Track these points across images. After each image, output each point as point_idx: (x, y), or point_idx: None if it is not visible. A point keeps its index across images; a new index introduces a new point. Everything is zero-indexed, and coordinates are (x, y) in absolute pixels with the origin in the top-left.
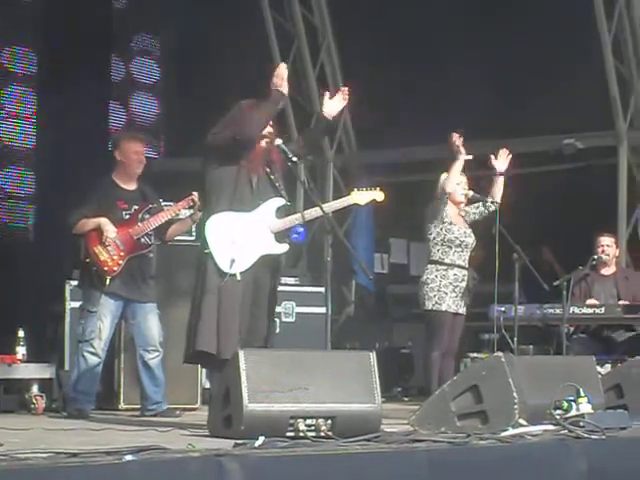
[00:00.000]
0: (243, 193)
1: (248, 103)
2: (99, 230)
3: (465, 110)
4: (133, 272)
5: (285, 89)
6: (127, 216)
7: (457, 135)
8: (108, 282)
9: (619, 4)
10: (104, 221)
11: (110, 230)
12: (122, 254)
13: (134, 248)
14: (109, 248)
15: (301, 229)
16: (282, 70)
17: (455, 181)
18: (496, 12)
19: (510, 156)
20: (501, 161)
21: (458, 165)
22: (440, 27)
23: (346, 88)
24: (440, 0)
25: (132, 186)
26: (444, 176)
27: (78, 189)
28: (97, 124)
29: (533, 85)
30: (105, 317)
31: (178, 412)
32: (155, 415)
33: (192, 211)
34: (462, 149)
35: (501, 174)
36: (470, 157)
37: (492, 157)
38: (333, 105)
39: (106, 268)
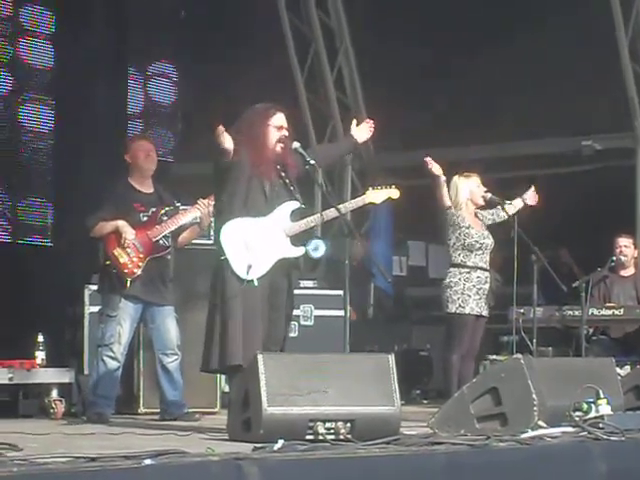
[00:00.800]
0: (256, 199)
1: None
2: (117, 233)
3: (484, 112)
4: (152, 274)
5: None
6: (145, 218)
7: (428, 160)
8: (129, 284)
9: (636, 5)
10: (122, 223)
11: (129, 232)
12: (141, 256)
13: (153, 250)
14: (128, 250)
15: (320, 246)
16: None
17: (446, 194)
18: (514, 14)
19: (536, 202)
20: (530, 198)
21: (443, 189)
22: (458, 29)
23: (372, 121)
24: (458, 3)
25: (149, 189)
26: (456, 180)
27: (96, 191)
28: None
29: (551, 86)
30: (124, 321)
31: (197, 416)
32: (174, 419)
33: (198, 218)
34: (437, 171)
35: (528, 206)
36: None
37: (529, 193)
38: (361, 132)
39: (126, 270)
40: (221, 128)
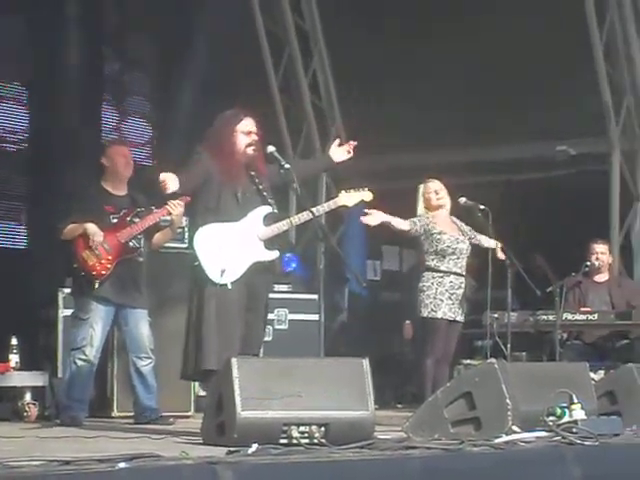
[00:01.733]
0: (228, 205)
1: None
2: (86, 235)
3: (456, 115)
4: (123, 277)
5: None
6: (115, 220)
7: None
8: (97, 286)
9: (610, 9)
10: (90, 226)
11: (97, 234)
12: (110, 258)
13: (122, 252)
14: (96, 252)
15: (293, 262)
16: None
17: (404, 227)
18: (492, 19)
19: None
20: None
21: (394, 224)
22: (435, 30)
23: (355, 143)
24: (434, 3)
25: (122, 192)
26: (421, 187)
27: (72, 193)
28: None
29: (526, 91)
30: (96, 324)
31: (171, 419)
32: (148, 422)
33: (169, 221)
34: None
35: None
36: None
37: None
38: (340, 153)
39: (94, 272)
40: (163, 176)
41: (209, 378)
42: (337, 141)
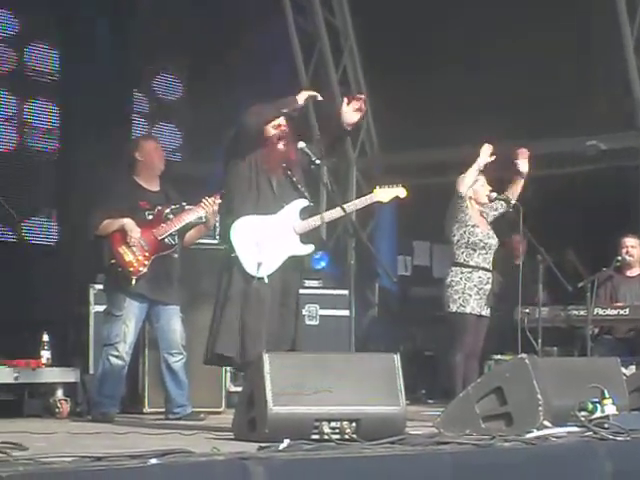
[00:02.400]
0: (265, 197)
1: (257, 108)
2: (123, 231)
3: (488, 111)
4: (158, 273)
5: (301, 101)
6: (150, 216)
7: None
8: (134, 282)
9: None
10: (128, 222)
11: (134, 230)
12: (147, 254)
13: (158, 248)
14: (134, 249)
15: (323, 261)
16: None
17: (468, 183)
18: (516, 14)
19: (528, 156)
20: (523, 162)
21: (474, 168)
22: (463, 27)
23: (363, 96)
24: (461, 3)
25: (155, 187)
26: (461, 177)
27: (100, 189)
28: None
29: (556, 86)
30: (130, 320)
31: (202, 415)
32: (179, 418)
33: (204, 217)
34: (522, 168)
35: (523, 176)
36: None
37: (517, 158)
38: (351, 113)
39: (132, 269)
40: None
41: (226, 364)
42: (345, 100)
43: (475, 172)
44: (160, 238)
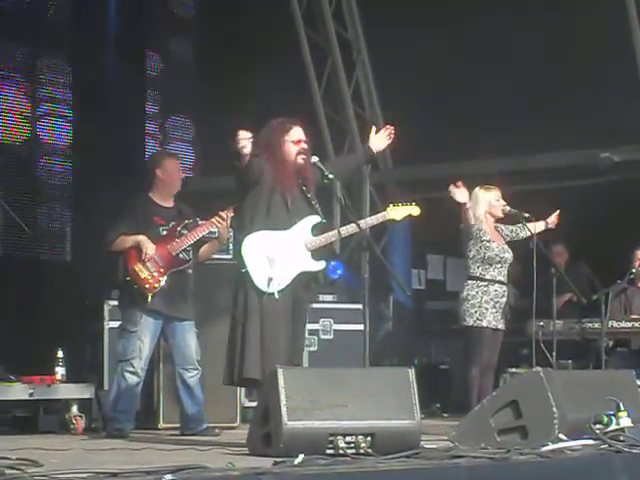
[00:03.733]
0: (279, 213)
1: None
2: (138, 247)
3: (501, 125)
4: (173, 289)
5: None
6: (164, 232)
7: (451, 189)
8: (149, 299)
9: None
10: (143, 238)
11: (149, 247)
12: (162, 270)
13: (173, 264)
14: (149, 265)
15: (339, 269)
16: (390, 133)
17: (483, 207)
18: (527, 23)
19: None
20: (554, 221)
21: (468, 214)
22: (476, 39)
23: (392, 127)
24: (471, 9)
25: (169, 203)
26: (477, 192)
27: (115, 205)
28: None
29: (569, 99)
30: (145, 336)
31: (217, 431)
32: (195, 434)
33: (217, 232)
34: (461, 199)
35: (549, 229)
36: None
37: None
38: (379, 141)
39: (147, 285)
40: (245, 133)
41: (252, 386)
42: (374, 129)
43: (468, 211)
44: (174, 254)
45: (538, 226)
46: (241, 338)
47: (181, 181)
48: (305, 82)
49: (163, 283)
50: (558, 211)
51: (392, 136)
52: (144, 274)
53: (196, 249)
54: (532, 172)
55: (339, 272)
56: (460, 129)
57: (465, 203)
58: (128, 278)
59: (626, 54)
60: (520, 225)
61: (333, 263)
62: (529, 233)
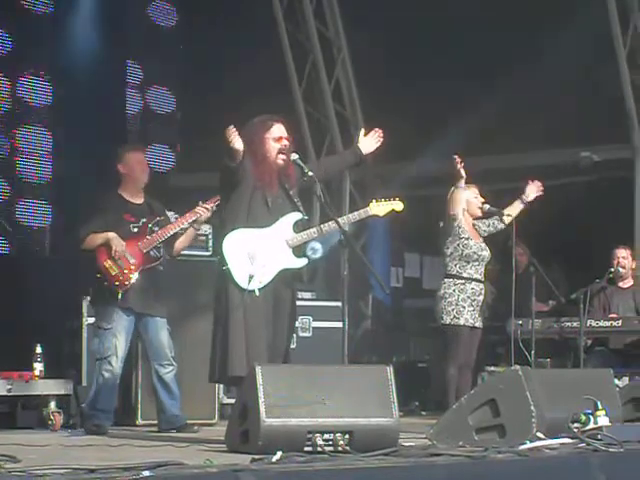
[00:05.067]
0: (259, 210)
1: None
2: (108, 245)
3: (481, 124)
4: (144, 286)
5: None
6: (135, 229)
7: (458, 159)
8: (120, 297)
9: (634, 15)
10: (112, 235)
11: (119, 244)
12: (132, 267)
13: (144, 261)
14: (119, 262)
15: (317, 245)
16: (379, 136)
17: (462, 205)
18: (509, 23)
19: (541, 190)
20: (531, 193)
21: (460, 190)
22: (458, 39)
23: (380, 130)
24: (454, 11)
25: (139, 199)
26: (455, 190)
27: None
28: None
29: (549, 97)
30: (120, 333)
31: (196, 427)
32: (173, 429)
33: (195, 224)
34: (463, 172)
35: (526, 205)
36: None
37: (529, 188)
38: (369, 143)
39: (117, 282)
40: (232, 129)
41: (236, 384)
42: (362, 131)
43: (457, 191)
44: (145, 251)
45: (515, 207)
46: (224, 336)
47: (146, 174)
48: (286, 80)
49: (134, 280)
50: (531, 181)
51: (381, 139)
52: (114, 271)
53: (170, 244)
54: (512, 170)
55: (319, 250)
56: (440, 128)
57: (461, 180)
58: (99, 275)
59: (608, 52)
60: (496, 218)
61: (312, 243)
62: (503, 224)
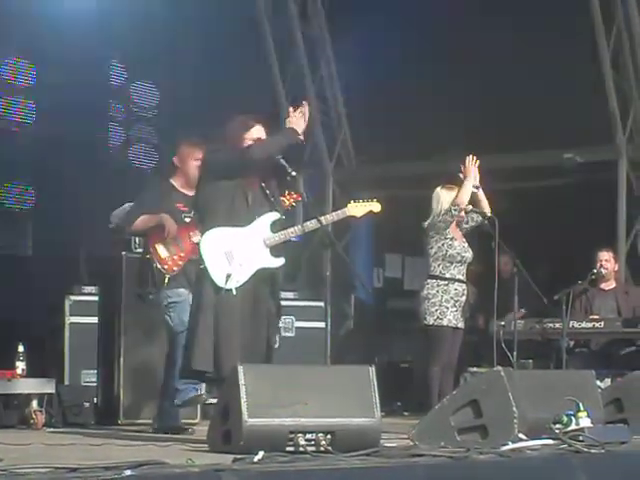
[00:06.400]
0: (239, 208)
1: (241, 119)
2: (160, 227)
3: (465, 125)
4: (187, 278)
5: (301, 128)
6: (187, 219)
7: (473, 159)
8: (167, 282)
9: (617, 17)
10: (166, 216)
11: (172, 225)
12: (182, 255)
13: (193, 252)
14: (169, 247)
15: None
16: (305, 110)
17: (446, 206)
18: (494, 24)
19: (477, 164)
20: (469, 172)
21: (467, 189)
22: (439, 40)
23: (306, 102)
24: (439, 9)
25: (191, 192)
26: (439, 191)
27: (77, 200)
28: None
29: (533, 99)
30: (187, 308)
31: (190, 430)
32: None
33: None
34: (473, 172)
35: (477, 188)
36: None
37: (461, 167)
38: (297, 121)
39: (166, 266)
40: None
41: (201, 379)
42: (290, 109)
43: (468, 193)
44: (196, 242)
45: (484, 205)
46: (191, 331)
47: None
48: (269, 79)
49: (179, 269)
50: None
51: (306, 114)
52: (164, 254)
53: None
54: (496, 172)
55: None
56: (425, 129)
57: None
58: (148, 256)
59: (591, 54)
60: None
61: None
62: (487, 216)
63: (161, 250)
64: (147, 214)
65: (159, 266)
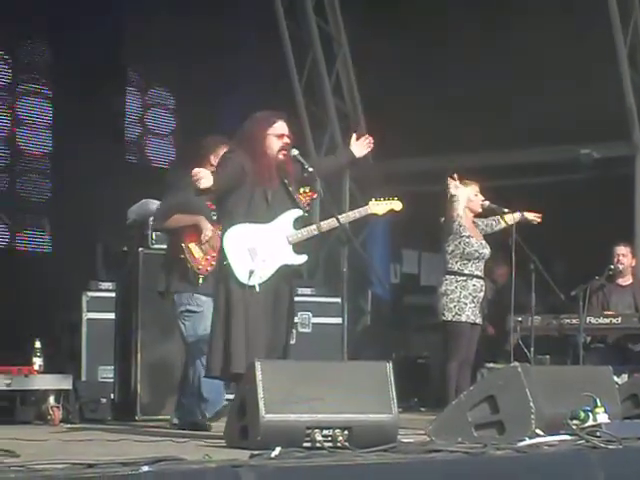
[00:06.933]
0: (259, 206)
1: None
2: (196, 227)
3: (480, 120)
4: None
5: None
6: (216, 217)
7: (452, 179)
8: (201, 281)
9: (635, 13)
10: (203, 219)
11: (208, 228)
12: (214, 256)
13: None
14: (204, 247)
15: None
16: (370, 142)
17: (463, 204)
18: (511, 21)
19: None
20: (535, 218)
21: (459, 202)
22: (455, 34)
23: (370, 137)
24: (454, 5)
25: None
26: (452, 183)
27: (94, 197)
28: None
29: (550, 94)
30: (208, 318)
31: (209, 425)
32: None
33: None
34: (459, 186)
35: (527, 221)
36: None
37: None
38: (360, 147)
39: (200, 267)
40: (197, 171)
41: (236, 380)
42: (354, 135)
43: (454, 202)
44: None
45: (516, 216)
46: (226, 332)
47: None
48: (286, 75)
49: (212, 269)
50: (538, 216)
51: (371, 145)
52: (198, 254)
53: None
54: (513, 167)
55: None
56: (441, 123)
57: (455, 195)
58: (182, 256)
59: (608, 50)
60: (495, 218)
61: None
62: (503, 226)
63: (196, 250)
64: (180, 212)
65: (193, 266)
